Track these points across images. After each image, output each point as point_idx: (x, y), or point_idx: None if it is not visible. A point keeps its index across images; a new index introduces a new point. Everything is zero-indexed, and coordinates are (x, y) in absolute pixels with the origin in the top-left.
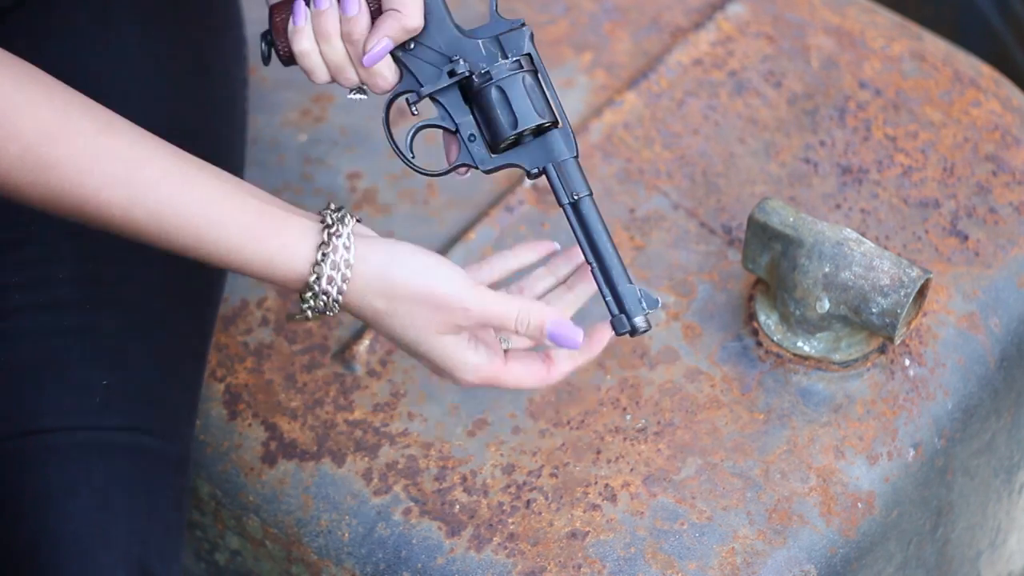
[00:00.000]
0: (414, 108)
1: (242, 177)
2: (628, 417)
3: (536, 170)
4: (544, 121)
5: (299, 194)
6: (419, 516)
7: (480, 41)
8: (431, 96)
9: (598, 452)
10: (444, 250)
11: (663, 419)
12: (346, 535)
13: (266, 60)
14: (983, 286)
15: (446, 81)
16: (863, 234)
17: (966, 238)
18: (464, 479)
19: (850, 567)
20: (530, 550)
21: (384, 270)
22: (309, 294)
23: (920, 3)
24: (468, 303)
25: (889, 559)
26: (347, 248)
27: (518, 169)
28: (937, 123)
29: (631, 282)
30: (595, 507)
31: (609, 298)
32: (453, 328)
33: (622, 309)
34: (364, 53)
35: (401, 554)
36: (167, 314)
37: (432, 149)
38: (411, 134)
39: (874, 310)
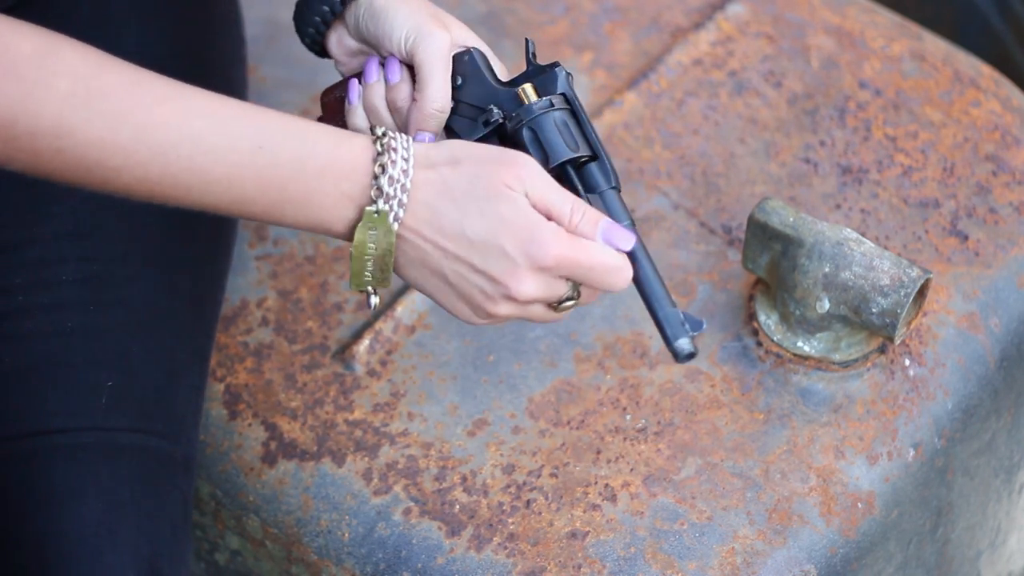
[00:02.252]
0: None
1: None
2: (628, 417)
3: None
4: (577, 155)
5: None
6: (419, 516)
7: (515, 89)
8: None
9: (598, 452)
10: None
11: (663, 419)
12: (346, 535)
13: None
14: (983, 286)
15: (481, 131)
16: (863, 234)
17: (966, 238)
18: (464, 479)
19: (850, 567)
20: (530, 550)
21: (444, 144)
22: (378, 166)
23: (920, 3)
24: (537, 167)
25: (889, 559)
26: (402, 142)
27: None
28: (937, 123)
29: (674, 306)
30: (595, 507)
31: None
32: (519, 185)
33: (664, 335)
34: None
35: (401, 554)
36: (170, 314)
37: None
38: None
39: (874, 310)
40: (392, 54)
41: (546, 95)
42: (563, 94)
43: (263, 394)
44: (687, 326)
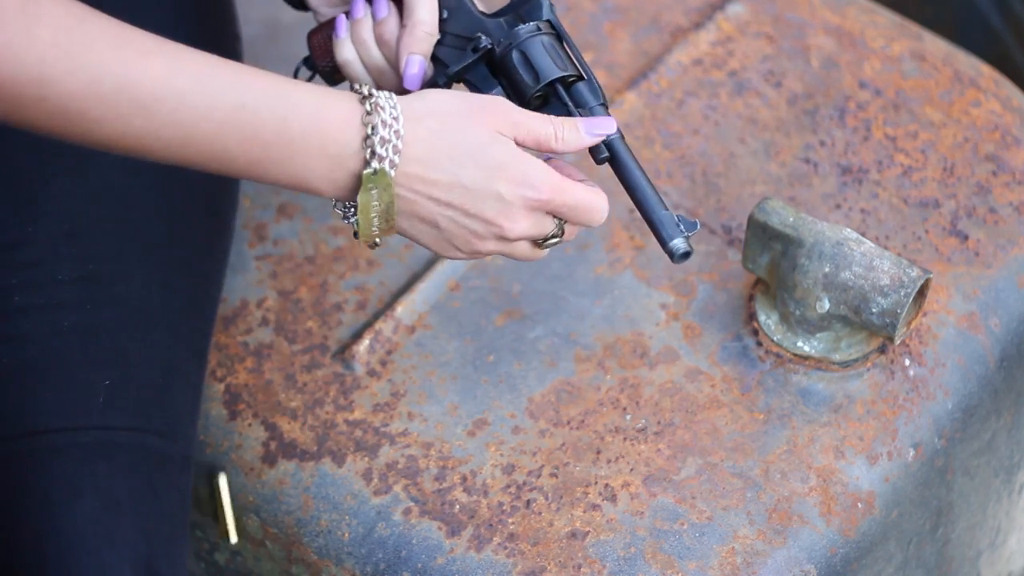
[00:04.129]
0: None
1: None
2: (628, 417)
3: None
4: (566, 74)
5: (299, 194)
6: (419, 516)
7: (502, 19)
8: (461, 78)
9: (598, 452)
10: None
11: (663, 419)
12: (346, 535)
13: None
14: (983, 286)
15: (471, 57)
16: (863, 234)
17: (966, 238)
18: (464, 479)
19: (850, 567)
20: (530, 550)
21: (424, 96)
22: (369, 127)
23: (920, 3)
24: (511, 105)
25: (889, 559)
26: (388, 100)
27: None
28: (937, 123)
29: (667, 209)
30: (595, 507)
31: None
32: (508, 128)
33: (660, 236)
34: (402, 76)
35: (401, 554)
36: (166, 312)
37: None
38: None
39: (874, 310)
40: None
41: (531, 20)
42: (548, 20)
43: (263, 394)
44: (682, 227)
